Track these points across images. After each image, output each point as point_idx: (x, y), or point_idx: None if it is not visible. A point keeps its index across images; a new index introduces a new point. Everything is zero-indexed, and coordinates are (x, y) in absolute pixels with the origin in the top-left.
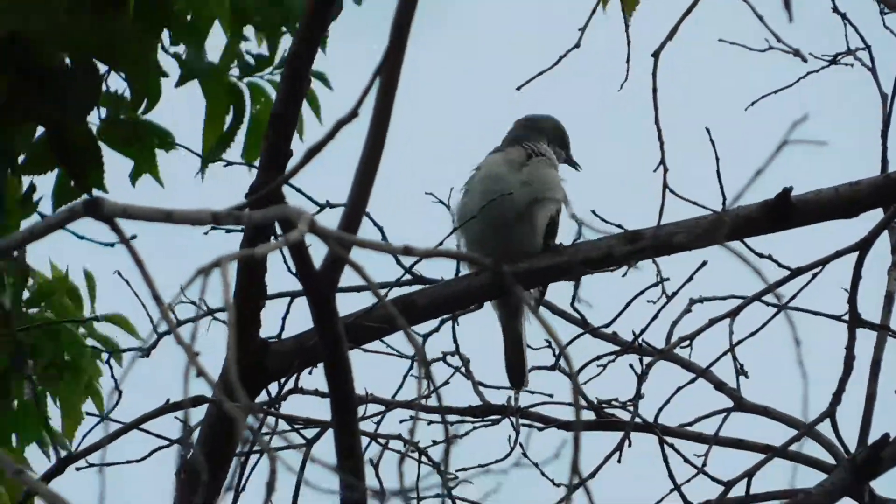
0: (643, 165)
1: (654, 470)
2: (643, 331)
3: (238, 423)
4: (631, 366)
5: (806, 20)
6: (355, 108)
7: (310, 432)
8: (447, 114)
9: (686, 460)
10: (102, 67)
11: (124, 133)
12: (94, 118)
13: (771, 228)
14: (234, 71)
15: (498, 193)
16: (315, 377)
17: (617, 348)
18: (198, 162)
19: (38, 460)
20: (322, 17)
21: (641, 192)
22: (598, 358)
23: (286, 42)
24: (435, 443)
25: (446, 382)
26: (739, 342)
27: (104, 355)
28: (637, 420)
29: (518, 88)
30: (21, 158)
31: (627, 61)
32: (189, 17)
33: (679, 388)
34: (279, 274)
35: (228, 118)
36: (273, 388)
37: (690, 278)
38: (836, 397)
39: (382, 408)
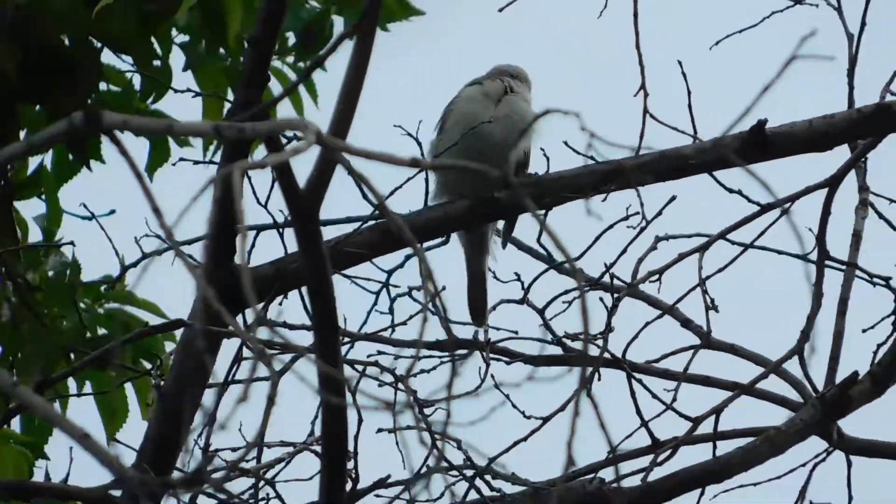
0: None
1: (622, 406)
2: (613, 263)
3: (239, 334)
4: (601, 299)
5: None
6: (354, 27)
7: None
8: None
9: (654, 396)
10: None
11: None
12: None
13: (746, 161)
14: None
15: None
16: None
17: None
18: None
19: None
20: None
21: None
22: (566, 292)
23: None
24: (409, 374)
25: (415, 316)
26: (708, 277)
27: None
28: (606, 355)
29: (500, 10)
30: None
31: None
32: None
33: (647, 324)
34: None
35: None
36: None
37: (660, 213)
38: (805, 335)
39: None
